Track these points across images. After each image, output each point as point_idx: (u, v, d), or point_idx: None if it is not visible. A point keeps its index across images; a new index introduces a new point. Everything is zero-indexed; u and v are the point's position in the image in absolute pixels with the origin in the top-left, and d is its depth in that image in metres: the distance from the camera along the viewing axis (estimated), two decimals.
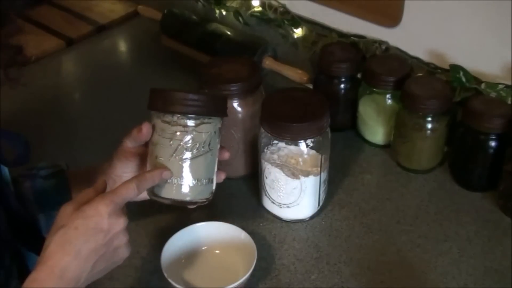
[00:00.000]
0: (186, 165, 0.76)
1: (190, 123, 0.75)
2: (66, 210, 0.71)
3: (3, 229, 0.76)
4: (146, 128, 0.76)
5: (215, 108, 0.77)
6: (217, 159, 0.80)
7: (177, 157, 0.76)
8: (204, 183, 0.78)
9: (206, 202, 0.80)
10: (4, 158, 0.80)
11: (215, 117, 0.77)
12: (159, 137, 0.76)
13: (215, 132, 0.78)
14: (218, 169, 0.81)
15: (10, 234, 0.78)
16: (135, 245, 0.94)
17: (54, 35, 1.45)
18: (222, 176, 0.84)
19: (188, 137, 0.75)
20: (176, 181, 0.76)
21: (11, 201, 0.80)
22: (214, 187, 0.81)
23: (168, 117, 0.75)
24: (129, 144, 0.80)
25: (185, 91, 0.75)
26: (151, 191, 0.78)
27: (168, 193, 0.77)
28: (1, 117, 1.06)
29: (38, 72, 1.36)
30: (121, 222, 0.70)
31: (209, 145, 0.77)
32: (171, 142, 0.75)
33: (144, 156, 0.80)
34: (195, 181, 0.77)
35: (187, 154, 0.76)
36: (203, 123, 0.76)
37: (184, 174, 0.76)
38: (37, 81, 1.34)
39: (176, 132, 0.75)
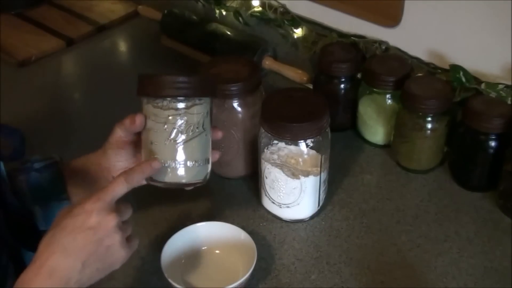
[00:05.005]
0: (181, 148, 0.76)
1: (182, 105, 0.75)
2: (59, 214, 0.71)
3: (1, 226, 0.76)
4: (139, 119, 0.76)
5: (206, 89, 0.78)
6: (210, 139, 0.80)
7: (172, 141, 0.76)
8: (200, 164, 0.78)
9: (203, 183, 0.80)
10: (1, 153, 0.80)
11: (206, 97, 0.77)
12: (153, 122, 0.76)
13: (207, 112, 0.78)
14: (212, 148, 0.81)
15: (8, 231, 0.78)
16: None
17: (54, 35, 1.45)
18: (217, 155, 0.83)
19: (181, 120, 0.75)
20: (172, 164, 0.76)
21: (7, 198, 0.80)
22: (210, 168, 0.81)
23: (159, 102, 0.75)
24: (121, 133, 0.80)
25: (174, 74, 0.75)
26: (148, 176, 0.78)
27: (165, 176, 0.77)
28: (1, 117, 1.06)
29: (38, 72, 1.36)
30: (110, 219, 0.69)
31: (202, 125, 0.77)
32: (166, 126, 0.75)
33: (137, 143, 0.80)
34: (191, 162, 0.77)
35: (182, 137, 0.76)
36: (195, 104, 0.76)
37: (180, 157, 0.76)
38: (37, 81, 1.34)
39: (169, 116, 0.75)
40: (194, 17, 1.40)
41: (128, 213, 0.74)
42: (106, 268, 0.71)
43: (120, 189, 0.71)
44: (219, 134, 0.83)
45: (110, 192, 0.70)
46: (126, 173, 0.73)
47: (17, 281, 0.66)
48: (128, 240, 0.72)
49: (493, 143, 0.97)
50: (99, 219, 0.68)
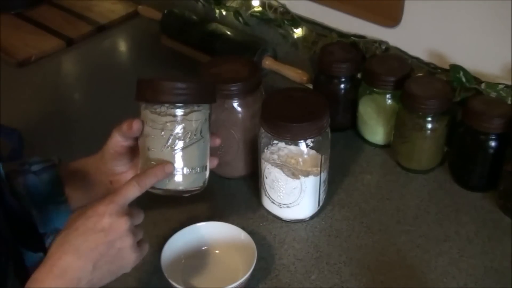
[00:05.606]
0: (179, 155, 0.75)
1: (180, 112, 0.74)
2: (72, 216, 0.71)
3: (1, 226, 0.76)
4: (136, 125, 0.76)
5: (204, 95, 0.77)
6: (209, 145, 0.80)
7: (169, 148, 0.75)
8: (198, 171, 0.77)
9: (201, 190, 0.80)
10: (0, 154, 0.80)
11: (205, 104, 0.77)
12: (150, 128, 0.75)
13: (205, 119, 0.77)
14: (211, 155, 0.81)
15: (8, 231, 0.78)
16: None
17: (54, 35, 1.45)
18: (215, 162, 0.83)
19: (179, 127, 0.75)
20: None
21: (7, 198, 0.80)
22: (207, 174, 0.80)
23: (157, 108, 0.74)
24: (119, 138, 0.79)
25: (173, 79, 0.74)
26: None
27: (162, 183, 0.76)
28: (0, 117, 1.06)
29: (38, 72, 1.36)
30: (122, 222, 0.69)
31: (200, 132, 0.76)
32: (163, 133, 0.75)
33: (135, 148, 0.80)
34: (189, 169, 0.76)
35: (180, 144, 0.75)
36: (193, 111, 0.75)
37: (177, 164, 0.75)
38: (37, 81, 1.34)
39: (166, 122, 0.74)
40: (194, 17, 1.40)
41: (140, 217, 0.74)
42: (116, 271, 0.71)
43: (132, 192, 0.71)
44: (217, 141, 0.82)
45: (122, 196, 0.71)
46: (138, 176, 0.73)
47: (29, 281, 0.67)
48: (138, 244, 0.73)
49: (493, 143, 0.97)
50: (111, 221, 0.69)
